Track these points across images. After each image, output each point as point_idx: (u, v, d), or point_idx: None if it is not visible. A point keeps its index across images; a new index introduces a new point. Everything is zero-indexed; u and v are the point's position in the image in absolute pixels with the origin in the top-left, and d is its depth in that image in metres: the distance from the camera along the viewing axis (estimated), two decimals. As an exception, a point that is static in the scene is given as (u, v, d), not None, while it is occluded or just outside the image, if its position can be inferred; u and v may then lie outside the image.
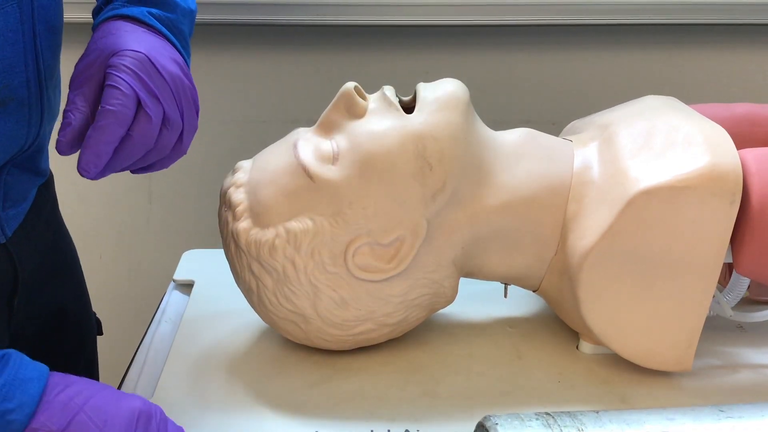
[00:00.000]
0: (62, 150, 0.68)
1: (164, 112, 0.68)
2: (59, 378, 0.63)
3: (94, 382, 0.65)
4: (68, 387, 0.63)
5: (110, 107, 0.66)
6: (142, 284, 1.52)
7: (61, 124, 0.68)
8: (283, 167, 0.77)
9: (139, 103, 0.67)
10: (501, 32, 1.38)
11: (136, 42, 0.70)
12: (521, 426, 0.60)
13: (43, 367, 0.64)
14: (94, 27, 0.75)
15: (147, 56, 0.68)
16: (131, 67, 0.67)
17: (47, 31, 0.73)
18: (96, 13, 0.77)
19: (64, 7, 0.77)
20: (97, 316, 1.00)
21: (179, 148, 0.72)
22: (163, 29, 0.73)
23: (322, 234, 0.75)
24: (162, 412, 0.65)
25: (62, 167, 0.92)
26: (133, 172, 0.73)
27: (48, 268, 0.87)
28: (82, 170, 0.67)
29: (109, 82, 0.67)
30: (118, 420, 0.62)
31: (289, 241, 0.75)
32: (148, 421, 0.63)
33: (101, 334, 1.00)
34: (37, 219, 0.85)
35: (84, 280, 0.98)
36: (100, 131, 0.66)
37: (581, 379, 0.80)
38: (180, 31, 0.75)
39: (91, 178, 0.68)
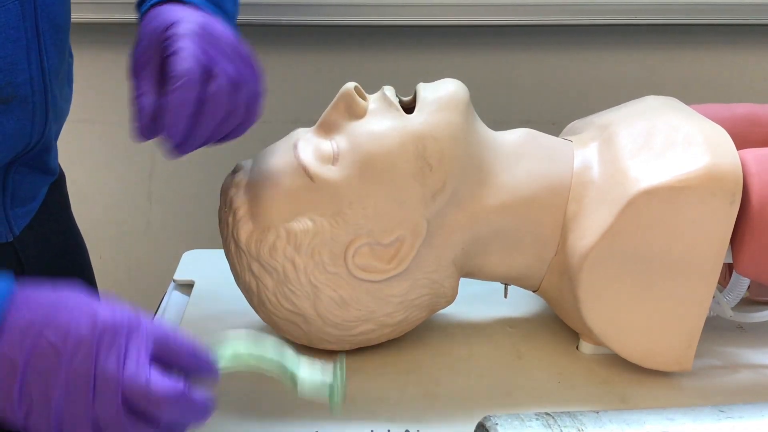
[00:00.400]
0: (142, 134, 0.67)
1: (230, 74, 0.67)
2: (23, 300, 0.57)
3: (64, 292, 0.58)
4: (31, 309, 0.56)
5: (177, 73, 0.65)
6: (142, 284, 1.52)
7: (135, 111, 0.67)
8: (284, 167, 0.77)
9: (204, 69, 0.66)
10: (501, 32, 1.38)
11: (188, 16, 0.69)
12: (521, 426, 0.60)
13: (3, 290, 0.57)
14: (141, 18, 0.74)
15: (201, 25, 0.68)
16: (189, 31, 0.67)
17: (52, 29, 0.73)
18: (139, 5, 0.76)
19: (78, 7, 0.77)
20: None
21: (252, 111, 0.71)
22: (210, 8, 0.73)
23: (322, 234, 0.75)
24: (135, 321, 0.57)
25: (63, 167, 0.92)
26: (213, 143, 0.71)
27: (56, 267, 0.87)
28: (169, 138, 0.66)
29: (170, 51, 0.66)
30: (79, 337, 0.55)
31: (289, 242, 0.75)
32: (113, 335, 0.55)
33: None
34: (47, 219, 0.85)
35: (94, 280, 0.98)
36: (172, 98, 0.65)
37: (581, 380, 0.80)
38: (225, 11, 0.75)
39: (178, 150, 0.67)
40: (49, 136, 0.77)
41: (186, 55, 0.65)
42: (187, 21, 0.68)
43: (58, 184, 0.89)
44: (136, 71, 0.68)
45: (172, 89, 0.65)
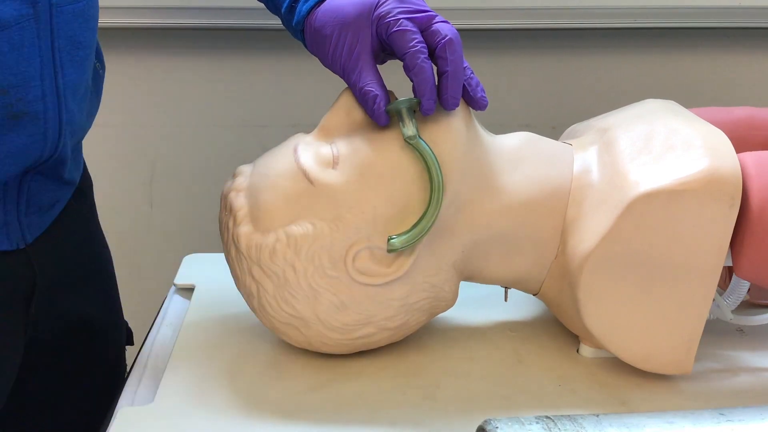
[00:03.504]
0: (382, 119, 0.75)
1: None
2: None
3: None
4: None
5: (411, 50, 0.73)
6: (142, 288, 1.52)
7: (368, 101, 0.74)
8: (284, 171, 0.77)
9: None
10: (500, 36, 1.38)
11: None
12: (521, 429, 0.60)
13: None
14: (302, 19, 0.79)
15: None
16: (399, 6, 0.75)
17: (70, 45, 0.73)
18: (288, 11, 0.81)
19: (111, 12, 0.78)
20: (129, 326, 1.00)
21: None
22: None
23: (322, 238, 0.75)
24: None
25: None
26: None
27: (73, 276, 0.87)
28: (446, 105, 0.75)
29: (396, 29, 0.74)
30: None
31: (289, 246, 0.75)
32: None
33: (131, 344, 1.00)
34: (66, 228, 0.85)
35: (116, 289, 0.98)
36: (420, 71, 0.73)
37: (581, 383, 0.80)
38: None
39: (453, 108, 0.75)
40: (64, 150, 0.77)
41: (411, 32, 0.74)
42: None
43: (82, 194, 0.89)
44: (350, 66, 0.75)
45: (414, 71, 0.73)
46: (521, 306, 0.93)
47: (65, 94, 0.74)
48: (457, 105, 0.75)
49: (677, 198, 0.73)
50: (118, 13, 1.31)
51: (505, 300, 0.88)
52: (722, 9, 1.35)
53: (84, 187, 0.91)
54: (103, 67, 0.87)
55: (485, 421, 0.62)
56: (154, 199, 1.50)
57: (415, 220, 0.75)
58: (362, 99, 0.75)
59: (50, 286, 0.84)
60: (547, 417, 0.62)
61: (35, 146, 0.72)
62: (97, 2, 0.80)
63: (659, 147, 0.77)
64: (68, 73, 0.74)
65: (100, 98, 0.87)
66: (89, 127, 0.86)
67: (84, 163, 0.94)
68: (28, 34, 0.68)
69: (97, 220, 0.97)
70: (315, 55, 0.80)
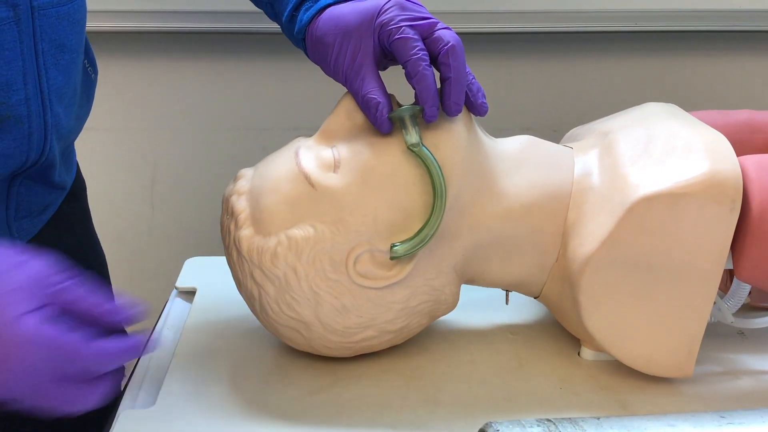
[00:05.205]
0: (385, 126, 0.75)
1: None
2: None
3: None
4: None
5: (413, 58, 0.72)
6: (144, 291, 1.52)
7: (370, 109, 0.74)
8: (285, 175, 0.77)
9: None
10: (501, 39, 1.39)
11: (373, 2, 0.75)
12: (522, 432, 0.60)
13: None
14: (303, 28, 0.78)
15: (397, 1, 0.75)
16: (401, 14, 0.74)
17: (54, 49, 0.73)
18: (289, 20, 0.80)
19: (117, 16, 0.77)
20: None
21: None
22: None
23: (323, 241, 0.75)
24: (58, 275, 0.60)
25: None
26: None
27: None
28: (449, 111, 0.75)
29: (397, 36, 0.73)
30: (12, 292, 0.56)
31: (290, 249, 0.75)
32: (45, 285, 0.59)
33: None
34: (57, 232, 0.85)
35: (111, 294, 0.98)
36: (422, 79, 0.72)
37: (582, 386, 0.80)
38: None
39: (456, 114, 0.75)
40: (51, 154, 0.76)
41: (412, 39, 0.73)
42: (387, 3, 0.74)
43: (75, 196, 0.89)
44: (352, 75, 0.75)
45: (417, 78, 0.72)
46: (522, 309, 0.93)
47: (50, 97, 0.73)
48: (460, 111, 0.75)
49: (678, 201, 0.73)
50: (123, 17, 1.31)
51: (506, 303, 0.88)
52: (723, 12, 1.36)
53: (77, 191, 0.91)
54: (95, 72, 0.86)
55: (486, 423, 0.62)
56: (156, 202, 1.51)
57: (416, 223, 0.76)
58: (365, 107, 0.75)
59: None
60: (548, 420, 0.62)
61: (20, 150, 0.72)
62: (85, 5, 0.79)
63: (660, 150, 0.77)
64: (53, 76, 0.73)
65: (91, 102, 0.86)
66: (79, 131, 0.85)
67: (78, 167, 0.93)
68: (9, 36, 0.68)
69: (91, 223, 0.96)
70: (317, 64, 0.80)
